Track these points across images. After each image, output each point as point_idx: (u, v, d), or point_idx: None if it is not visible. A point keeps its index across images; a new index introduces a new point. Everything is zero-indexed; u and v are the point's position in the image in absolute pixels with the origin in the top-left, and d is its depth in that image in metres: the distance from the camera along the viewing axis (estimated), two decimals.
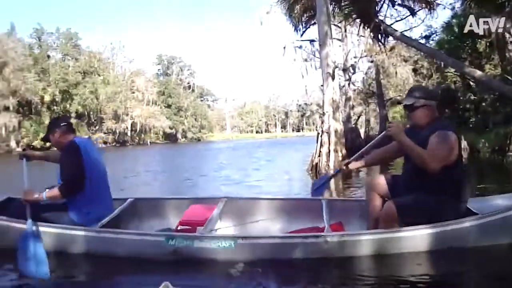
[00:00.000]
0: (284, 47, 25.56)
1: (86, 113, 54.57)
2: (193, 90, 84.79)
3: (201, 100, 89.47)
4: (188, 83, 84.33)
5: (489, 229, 3.25)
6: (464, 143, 12.25)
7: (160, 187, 10.37)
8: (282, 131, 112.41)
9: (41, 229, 3.38)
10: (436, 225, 3.22)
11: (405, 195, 3.36)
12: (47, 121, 49.90)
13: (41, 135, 47.99)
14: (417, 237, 3.22)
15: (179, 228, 3.86)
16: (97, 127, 56.58)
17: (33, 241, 3.19)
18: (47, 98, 49.54)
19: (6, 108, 42.75)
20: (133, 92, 62.69)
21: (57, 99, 50.88)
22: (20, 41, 49.26)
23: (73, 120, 52.15)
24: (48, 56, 55.29)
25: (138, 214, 4.29)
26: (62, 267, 3.30)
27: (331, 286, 2.95)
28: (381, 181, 3.65)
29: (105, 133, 56.77)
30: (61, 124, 3.91)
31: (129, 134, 60.59)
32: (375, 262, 3.19)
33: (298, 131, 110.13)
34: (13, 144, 44.20)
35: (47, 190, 3.70)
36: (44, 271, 3.00)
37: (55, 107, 51.46)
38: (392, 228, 3.26)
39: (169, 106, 72.02)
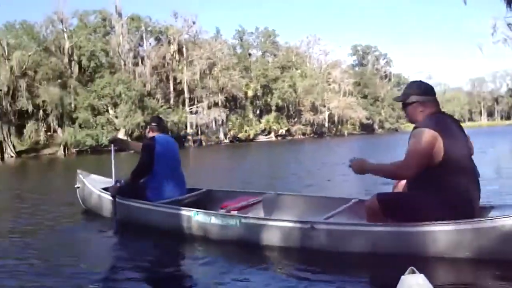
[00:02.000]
0: (495, 25, 22.66)
1: (285, 106, 56.58)
2: (389, 79, 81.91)
3: (398, 90, 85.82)
4: (385, 72, 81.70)
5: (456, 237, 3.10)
6: None
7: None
8: (488, 120, 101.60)
9: (123, 201, 4.86)
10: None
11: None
12: (251, 115, 53.80)
13: (245, 128, 51.94)
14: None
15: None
16: (295, 119, 58.27)
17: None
18: (250, 93, 52.74)
19: (216, 104, 46.62)
20: (330, 84, 62.93)
21: (258, 94, 53.81)
22: (225, 42, 53.37)
23: (273, 113, 55.00)
24: (250, 54, 58.95)
25: (200, 200, 5.15)
26: (131, 230, 4.76)
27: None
28: None
29: (304, 125, 58.21)
30: (152, 123, 5.21)
31: (326, 125, 61.05)
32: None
33: (509, 118, 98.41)
34: (221, 136, 48.22)
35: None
36: None
37: (257, 101, 54.62)
38: (376, 221, 3.35)
39: (365, 97, 70.68)
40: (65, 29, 40.51)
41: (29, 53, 36.42)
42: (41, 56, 37.67)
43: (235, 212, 4.27)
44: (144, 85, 41.41)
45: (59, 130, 37.88)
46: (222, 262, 3.54)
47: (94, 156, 31.65)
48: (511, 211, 3.32)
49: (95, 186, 5.51)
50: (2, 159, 32.85)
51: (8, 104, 35.70)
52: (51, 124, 37.53)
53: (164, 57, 45.56)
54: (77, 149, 36.19)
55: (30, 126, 37.04)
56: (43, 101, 36.26)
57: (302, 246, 3.53)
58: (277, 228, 3.68)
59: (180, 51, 46.71)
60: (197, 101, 46.62)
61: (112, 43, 42.49)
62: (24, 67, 35.95)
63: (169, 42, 46.81)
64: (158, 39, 48.15)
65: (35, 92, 36.49)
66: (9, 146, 34.90)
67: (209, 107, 46.18)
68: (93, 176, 6.04)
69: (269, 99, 54.94)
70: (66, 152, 36.20)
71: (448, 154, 3.09)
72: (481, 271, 2.97)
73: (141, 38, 46.28)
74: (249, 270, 3.29)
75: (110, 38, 43.78)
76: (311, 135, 58.08)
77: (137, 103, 37.97)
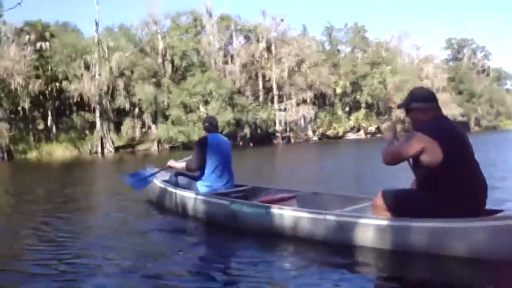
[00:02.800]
0: None
1: (375, 103, 54.57)
2: (487, 74, 76.42)
3: (498, 85, 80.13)
4: (482, 66, 76.37)
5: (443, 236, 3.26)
6: None
7: None
8: None
9: (176, 191, 5.63)
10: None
11: None
12: (339, 112, 52.50)
13: (334, 125, 50.76)
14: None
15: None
16: (385, 116, 56.00)
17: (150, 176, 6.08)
18: (338, 90, 51.43)
19: (304, 101, 45.89)
20: (422, 80, 59.57)
21: (347, 91, 52.33)
22: (313, 39, 52.43)
23: (362, 110, 53.23)
24: (338, 51, 57.51)
25: (244, 195, 5.58)
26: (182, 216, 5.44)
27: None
28: None
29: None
30: (205, 123, 5.82)
31: None
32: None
33: None
34: (310, 133, 47.44)
35: (184, 160, 6.02)
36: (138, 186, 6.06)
37: (346, 98, 53.15)
38: (381, 215, 3.59)
39: (460, 93, 66.42)
40: (159, 31, 41.75)
41: (127, 54, 37.93)
42: (137, 57, 39.08)
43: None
44: (234, 83, 41.62)
45: (153, 127, 39.13)
46: (248, 246, 4.14)
47: (186, 152, 32.16)
48: None
49: (158, 179, 6.22)
50: (102, 153, 34.51)
51: (108, 103, 37.47)
52: (146, 121, 38.88)
53: (253, 55, 45.58)
54: (170, 145, 37.10)
55: (127, 123, 38.61)
56: (139, 99, 37.62)
57: (315, 234, 3.92)
58: (293, 218, 4.08)
59: (268, 48, 46.55)
60: (286, 98, 46.19)
61: (203, 43, 43.16)
62: (122, 67, 37.53)
63: (258, 40, 46.80)
64: (247, 38, 48.31)
65: (132, 91, 37.96)
66: (109, 142, 36.57)
67: (297, 104, 45.56)
68: (157, 171, 6.51)
69: (358, 96, 53.24)
70: (160, 147, 37.25)
71: (448, 157, 3.26)
72: (475, 269, 3.10)
73: (231, 36, 46.61)
74: (271, 254, 3.86)
75: (201, 37, 44.54)
76: (402, 133, 55.45)
77: (227, 101, 38.20)
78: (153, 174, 6.19)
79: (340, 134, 50.06)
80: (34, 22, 38.93)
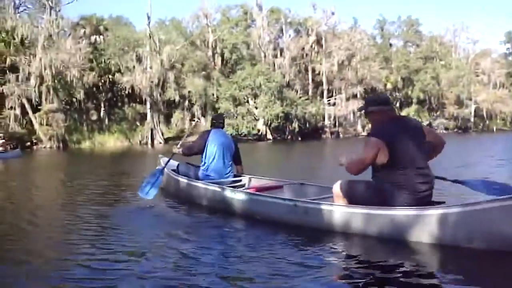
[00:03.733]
0: None
1: (427, 99, 52.57)
2: None
3: None
4: None
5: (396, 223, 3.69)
6: None
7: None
8: None
9: (179, 178, 6.26)
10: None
11: None
12: None
13: None
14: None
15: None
16: (438, 113, 53.87)
17: (159, 175, 5.98)
18: (389, 85, 49.83)
19: (354, 96, 44.70)
20: (477, 75, 56.97)
21: (398, 86, 50.65)
22: (364, 33, 50.95)
23: (414, 106, 51.32)
24: (390, 45, 55.79)
25: (239, 184, 6.18)
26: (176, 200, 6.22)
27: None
28: None
29: (446, 119, 53.61)
30: (212, 120, 6.49)
31: (472, 120, 55.56)
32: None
33: None
34: (359, 128, 46.18)
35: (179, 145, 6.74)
36: (151, 194, 5.66)
37: (396, 94, 51.42)
38: (339, 202, 4.11)
39: None
40: (209, 24, 41.64)
41: (177, 47, 38.00)
42: (188, 50, 39.15)
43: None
44: (283, 76, 40.99)
45: (202, 119, 39.06)
46: (230, 225, 4.67)
47: None
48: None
49: (168, 168, 6.58)
50: (152, 144, 34.72)
51: (158, 95, 37.67)
52: (195, 113, 38.86)
53: (303, 48, 44.80)
54: None
55: (176, 115, 38.74)
56: (189, 92, 37.64)
57: (286, 219, 4.38)
58: (270, 204, 4.60)
59: (318, 42, 45.55)
60: (335, 92, 45.14)
61: (253, 36, 42.80)
62: (172, 60, 37.63)
63: (307, 33, 45.91)
64: (297, 31, 47.52)
65: (182, 83, 38.02)
66: (158, 133, 36.80)
67: (347, 99, 44.44)
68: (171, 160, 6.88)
69: (409, 91, 51.41)
70: None
71: (395, 156, 3.72)
72: (424, 253, 3.47)
73: (281, 30, 45.99)
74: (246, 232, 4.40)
75: (251, 31, 44.14)
76: (455, 130, 53.07)
77: (276, 94, 37.64)
78: (163, 168, 6.44)
79: None
80: (89, 16, 39.67)
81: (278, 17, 45.29)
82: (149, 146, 33.74)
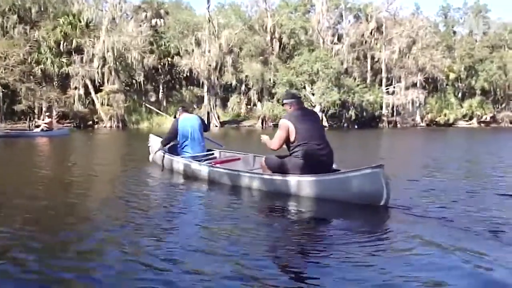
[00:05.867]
0: None
1: (492, 90, 49.52)
2: None
3: None
4: None
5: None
6: None
7: None
8: None
9: (164, 154, 7.82)
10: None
11: None
12: (452, 98, 48.27)
13: (445, 111, 46.83)
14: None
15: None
16: (503, 105, 50.71)
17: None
18: (452, 75, 47.25)
19: (414, 85, 42.67)
20: None
21: (462, 76, 47.97)
22: (426, 19, 48.42)
23: (477, 97, 48.37)
24: (454, 32, 52.86)
25: (209, 158, 7.87)
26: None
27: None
28: None
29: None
30: (180, 111, 8.30)
31: None
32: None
33: None
34: (417, 118, 44.16)
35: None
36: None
37: (459, 84, 48.75)
38: (265, 172, 5.69)
39: None
40: (268, 8, 40.76)
41: (236, 32, 37.50)
42: (246, 34, 38.52)
43: (218, 165, 6.85)
44: (341, 63, 39.60)
45: (258, 104, 38.56)
46: (197, 188, 6.20)
47: None
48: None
49: (156, 145, 8.23)
50: (209, 127, 34.57)
51: (216, 78, 37.42)
52: (252, 98, 38.39)
53: (362, 35, 43.08)
54: (274, 122, 36.32)
55: (233, 99, 38.42)
56: (246, 76, 37.14)
57: (233, 185, 6.01)
58: (222, 173, 6.26)
59: (378, 28, 43.60)
60: (395, 81, 43.27)
61: (311, 21, 41.60)
62: (230, 44, 37.19)
63: (367, 20, 44.12)
64: (357, 17, 45.77)
65: (239, 67, 37.56)
66: (215, 116, 36.63)
67: (406, 88, 42.41)
68: (158, 138, 8.50)
69: (473, 82, 48.47)
70: (264, 125, 36.63)
71: (298, 134, 5.19)
72: (326, 207, 4.85)
73: (340, 15, 44.44)
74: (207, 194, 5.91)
75: (310, 16, 42.96)
76: None
77: (333, 81, 36.45)
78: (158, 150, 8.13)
79: (451, 121, 46.03)
80: (150, 0, 39.83)
81: (338, 2, 43.73)
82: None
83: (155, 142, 8.48)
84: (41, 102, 32.72)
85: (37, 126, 21.08)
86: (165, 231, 3.82)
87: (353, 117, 38.14)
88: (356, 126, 37.79)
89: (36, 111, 32.62)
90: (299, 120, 5.22)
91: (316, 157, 5.14)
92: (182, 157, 7.51)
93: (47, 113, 23.39)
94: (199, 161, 7.09)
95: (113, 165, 9.61)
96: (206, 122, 8.68)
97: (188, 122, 7.88)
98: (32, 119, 31.38)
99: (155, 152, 8.09)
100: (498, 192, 5.64)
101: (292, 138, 5.18)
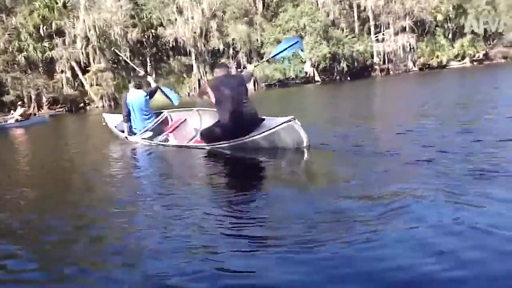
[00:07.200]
0: None
1: (482, 27, 48.40)
2: None
3: None
4: None
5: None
6: None
7: None
8: None
9: (119, 133, 8.64)
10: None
11: None
12: (442, 40, 47.30)
13: (437, 53, 46.01)
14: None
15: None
16: (494, 41, 49.76)
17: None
18: (439, 16, 46.18)
19: (403, 30, 41.78)
20: None
21: (450, 16, 46.90)
22: None
23: (468, 36, 47.33)
24: None
25: (159, 126, 8.44)
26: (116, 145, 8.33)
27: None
28: None
29: (505, 46, 49.37)
30: (130, 86, 8.81)
31: None
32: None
33: None
34: (410, 64, 43.42)
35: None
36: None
37: (448, 24, 47.72)
38: (202, 143, 6.59)
39: None
40: None
41: None
42: None
43: (170, 134, 7.62)
44: (328, 15, 38.59)
45: (248, 66, 37.82)
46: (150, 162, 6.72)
47: (282, 89, 31.05)
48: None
49: (112, 123, 9.01)
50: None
51: (202, 45, 36.60)
52: (241, 61, 37.62)
53: None
54: (266, 83, 35.70)
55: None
56: (232, 39, 36.30)
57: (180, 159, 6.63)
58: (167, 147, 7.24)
59: None
60: (383, 28, 42.30)
61: None
62: (213, 8, 36.20)
63: None
64: None
65: (225, 31, 36.67)
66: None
67: (395, 34, 41.56)
68: (111, 116, 9.50)
69: (462, 21, 47.48)
70: (256, 86, 36.03)
71: (219, 97, 5.87)
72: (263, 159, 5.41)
73: None
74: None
75: None
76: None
77: (321, 34, 35.63)
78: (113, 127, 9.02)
79: (444, 63, 45.27)
80: None
81: None
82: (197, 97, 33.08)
83: (110, 120, 9.15)
84: (29, 90, 32.03)
85: (12, 118, 20.39)
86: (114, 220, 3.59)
87: (345, 69, 37.48)
88: (348, 78, 37.16)
89: (26, 100, 31.94)
90: (221, 85, 5.89)
91: (238, 115, 5.77)
92: (131, 133, 8.22)
93: (19, 103, 22.55)
94: (150, 137, 7.86)
95: (80, 151, 8.88)
96: (152, 93, 8.84)
97: (132, 98, 8.31)
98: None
99: (113, 131, 8.80)
100: (483, 138, 5.35)
101: (213, 100, 5.91)
